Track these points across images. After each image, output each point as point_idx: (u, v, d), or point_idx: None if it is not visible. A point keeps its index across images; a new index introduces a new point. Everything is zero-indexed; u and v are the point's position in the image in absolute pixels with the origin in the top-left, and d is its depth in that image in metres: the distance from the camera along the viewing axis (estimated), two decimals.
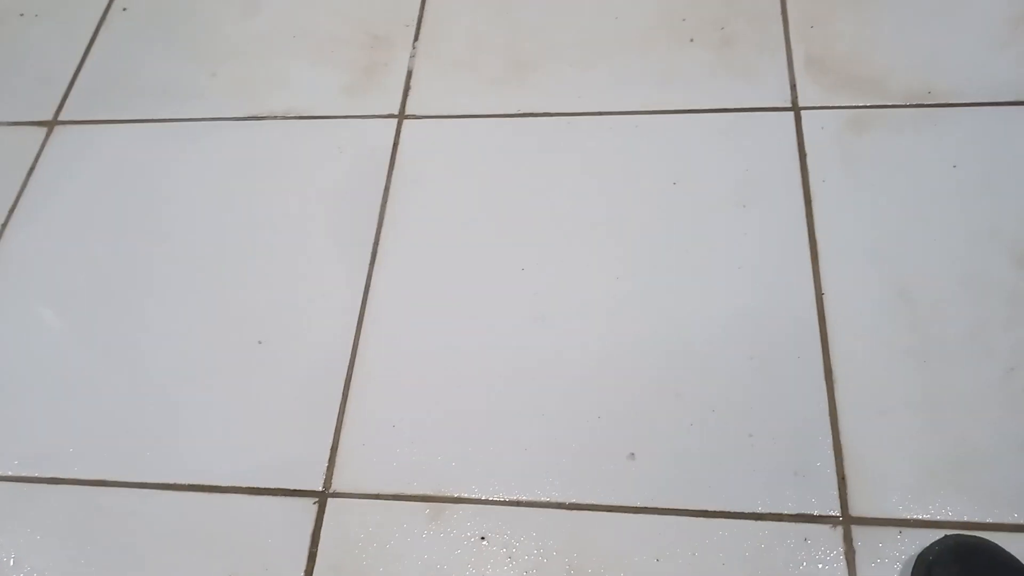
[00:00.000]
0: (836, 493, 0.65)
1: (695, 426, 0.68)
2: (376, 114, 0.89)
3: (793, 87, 0.84)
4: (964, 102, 0.81)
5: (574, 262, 0.77)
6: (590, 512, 0.66)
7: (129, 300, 0.80)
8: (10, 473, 0.73)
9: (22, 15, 1.03)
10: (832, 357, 0.70)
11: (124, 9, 1.01)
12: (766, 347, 0.71)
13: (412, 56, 0.92)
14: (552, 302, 0.75)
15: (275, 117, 0.90)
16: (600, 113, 0.86)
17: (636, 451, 0.67)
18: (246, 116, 0.91)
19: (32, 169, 0.90)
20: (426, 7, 0.96)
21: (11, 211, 0.87)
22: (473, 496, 0.67)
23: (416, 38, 0.94)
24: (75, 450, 0.73)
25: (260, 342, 0.76)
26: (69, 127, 0.93)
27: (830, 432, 0.67)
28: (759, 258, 0.75)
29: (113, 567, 0.67)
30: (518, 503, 0.67)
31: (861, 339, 0.70)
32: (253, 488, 0.70)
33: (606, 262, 0.76)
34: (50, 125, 0.93)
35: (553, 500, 0.66)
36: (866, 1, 0.88)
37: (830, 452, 0.66)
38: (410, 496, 0.68)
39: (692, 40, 0.89)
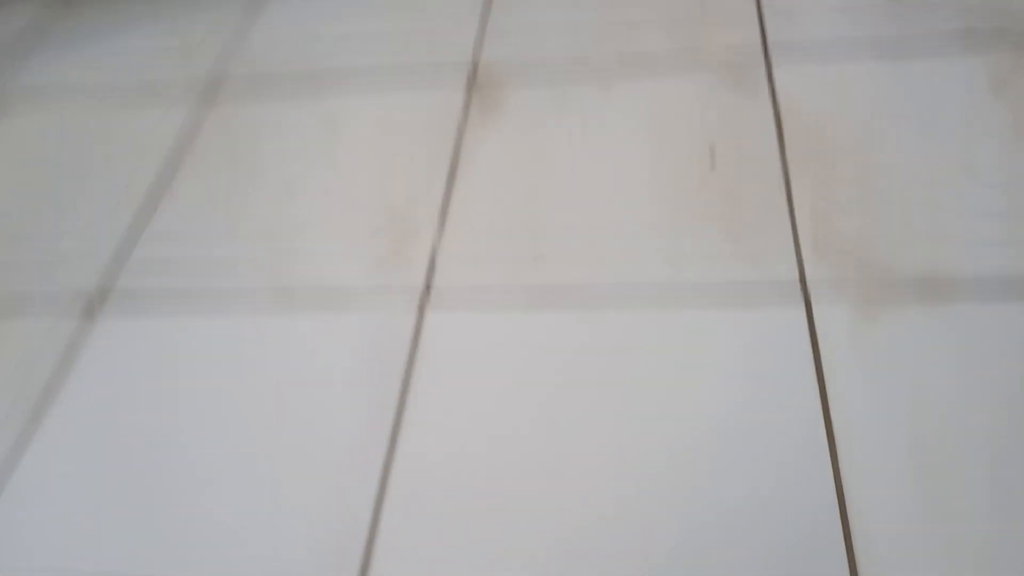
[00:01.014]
0: None
1: None
2: (399, 298, 0.93)
3: (801, 268, 0.88)
4: (976, 293, 0.84)
5: (591, 448, 0.78)
6: None
7: (149, 456, 0.82)
8: None
9: (69, 195, 1.10)
10: (856, 554, 0.70)
11: (173, 197, 1.08)
12: (783, 543, 0.71)
13: (436, 243, 0.97)
14: (574, 493, 0.76)
15: (301, 304, 0.94)
16: (617, 302, 0.89)
17: None
18: (273, 298, 0.95)
19: (73, 353, 0.94)
20: (452, 193, 1.02)
21: (46, 397, 0.91)
22: None
23: (441, 225, 0.99)
24: None
25: (281, 509, 0.77)
26: (112, 312, 0.98)
27: None
28: (776, 452, 0.76)
29: None
30: None
31: (887, 534, 0.70)
32: None
33: (619, 448, 0.78)
34: (93, 309, 0.98)
35: None
36: (872, 187, 0.93)
37: None
38: None
39: (701, 228, 0.93)
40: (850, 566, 0.69)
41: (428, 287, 0.94)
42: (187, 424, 0.87)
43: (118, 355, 0.94)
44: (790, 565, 0.70)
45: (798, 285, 0.87)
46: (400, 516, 0.77)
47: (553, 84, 1.11)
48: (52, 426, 0.89)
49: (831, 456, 0.76)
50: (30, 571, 0.79)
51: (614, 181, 0.99)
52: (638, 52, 1.12)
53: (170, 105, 1.19)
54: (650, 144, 1.02)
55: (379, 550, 0.75)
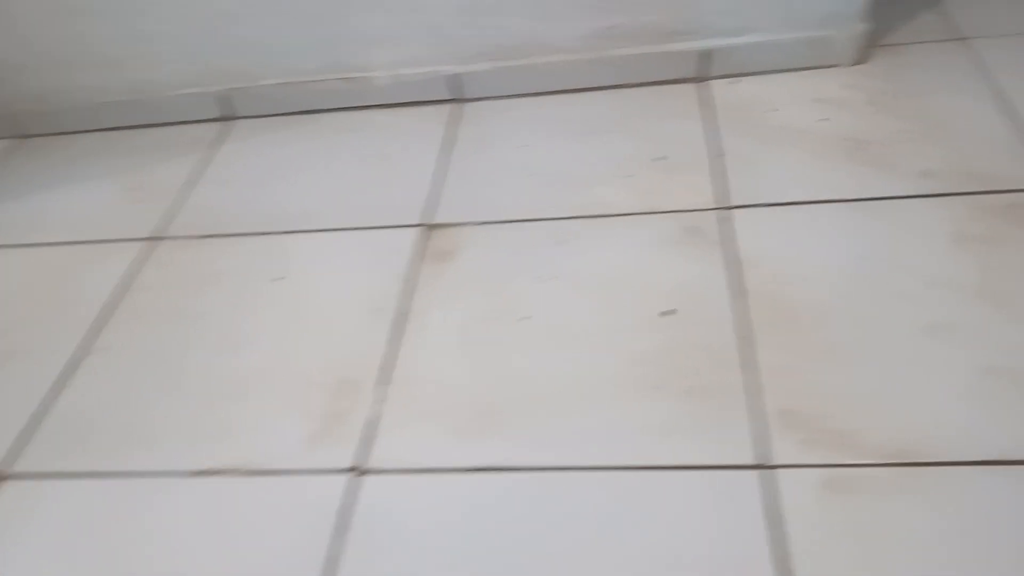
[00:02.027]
0: None
1: None
2: (335, 468, 0.86)
3: (764, 443, 0.81)
4: (937, 461, 0.77)
5: None
6: None
7: None
8: None
9: None
10: None
11: (104, 350, 1.03)
12: None
13: (377, 403, 0.91)
14: None
15: (229, 471, 0.87)
16: (563, 468, 0.82)
17: None
18: (201, 470, 0.88)
19: None
20: (397, 352, 0.97)
21: None
22: None
23: (383, 386, 0.93)
24: None
25: None
26: (20, 480, 0.90)
27: None
28: None
29: None
30: None
31: None
32: None
33: None
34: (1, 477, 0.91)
35: None
36: (835, 354, 0.88)
37: None
38: None
39: (659, 395, 0.88)
40: None
41: (365, 459, 0.87)
42: None
43: (29, 524, 0.86)
44: None
45: (757, 456, 0.81)
46: None
47: (509, 238, 1.09)
48: None
49: None
50: None
51: (569, 343, 0.95)
52: (598, 207, 1.11)
53: (111, 254, 1.17)
54: (608, 304, 0.98)
55: None
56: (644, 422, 0.85)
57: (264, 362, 0.98)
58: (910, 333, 0.88)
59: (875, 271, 0.95)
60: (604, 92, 1.31)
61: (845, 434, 0.81)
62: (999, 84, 1.19)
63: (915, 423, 0.81)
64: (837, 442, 0.80)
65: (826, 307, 0.92)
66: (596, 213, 1.10)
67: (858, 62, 1.27)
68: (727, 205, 1.07)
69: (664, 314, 0.95)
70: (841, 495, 0.76)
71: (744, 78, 1.28)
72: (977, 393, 0.82)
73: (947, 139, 1.11)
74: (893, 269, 0.95)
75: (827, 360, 0.87)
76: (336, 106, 1.39)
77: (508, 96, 1.33)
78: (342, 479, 0.85)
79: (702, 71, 1.29)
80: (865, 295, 0.93)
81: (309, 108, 1.39)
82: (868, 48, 1.28)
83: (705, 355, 0.90)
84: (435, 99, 1.36)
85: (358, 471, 0.85)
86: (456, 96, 1.35)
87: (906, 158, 1.09)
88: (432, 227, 1.13)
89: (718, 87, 1.28)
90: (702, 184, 1.11)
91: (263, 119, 1.40)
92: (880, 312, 0.91)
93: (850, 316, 0.91)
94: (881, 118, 1.16)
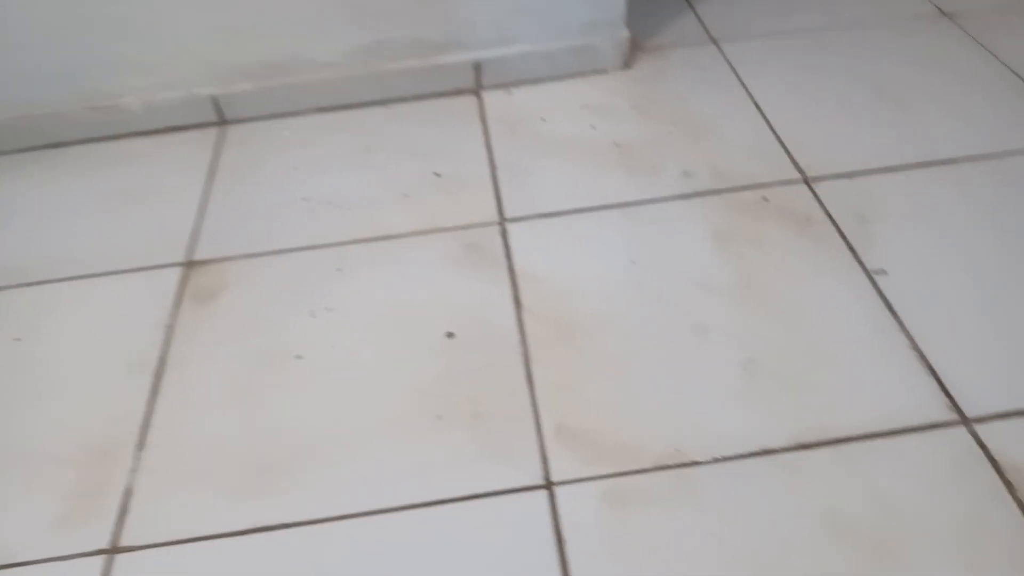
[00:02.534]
0: None
1: None
2: (84, 551, 0.76)
3: (545, 461, 0.80)
4: (711, 458, 0.80)
5: None
6: None
7: None
8: None
9: None
10: None
11: None
12: None
13: (134, 471, 0.82)
14: None
15: None
16: (343, 517, 0.78)
17: None
18: None
19: None
20: (155, 410, 0.88)
21: None
22: None
23: (141, 446, 0.84)
24: None
25: None
26: None
27: None
28: None
29: None
30: None
31: None
32: None
33: None
34: None
35: None
36: (609, 364, 0.89)
37: None
38: None
39: (442, 424, 0.85)
40: None
41: (120, 536, 0.78)
42: None
43: None
44: None
45: (541, 476, 0.80)
46: None
47: (280, 270, 1.02)
48: None
49: None
50: None
51: (347, 382, 0.90)
52: (375, 230, 1.06)
53: None
54: (387, 333, 0.94)
55: None
56: (427, 456, 0.82)
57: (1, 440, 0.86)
58: (678, 336, 0.91)
59: (644, 276, 0.98)
60: (377, 107, 1.27)
61: (620, 444, 0.82)
62: (748, 84, 1.26)
63: (685, 425, 0.83)
64: (612, 453, 0.81)
65: (600, 317, 0.94)
66: (374, 236, 1.06)
67: (624, 67, 1.31)
68: (504, 219, 1.07)
69: (446, 337, 0.93)
70: (619, 506, 0.77)
71: (517, 88, 1.29)
72: (740, 388, 0.85)
73: (704, 140, 1.16)
74: (661, 273, 0.98)
75: (602, 371, 0.88)
76: (86, 137, 1.26)
77: (275, 116, 1.26)
78: (96, 561, 0.76)
79: (475, 83, 1.28)
80: (635, 301, 0.95)
81: (55, 141, 1.25)
82: (632, 53, 1.32)
83: (487, 377, 0.88)
84: (196, 123, 1.26)
85: (112, 551, 0.76)
86: (219, 119, 1.26)
87: (668, 160, 1.13)
88: (194, 264, 1.04)
89: (492, 98, 1.27)
90: (480, 198, 1.10)
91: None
92: (649, 317, 0.93)
93: (622, 324, 0.93)
94: (645, 122, 1.20)
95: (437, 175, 1.14)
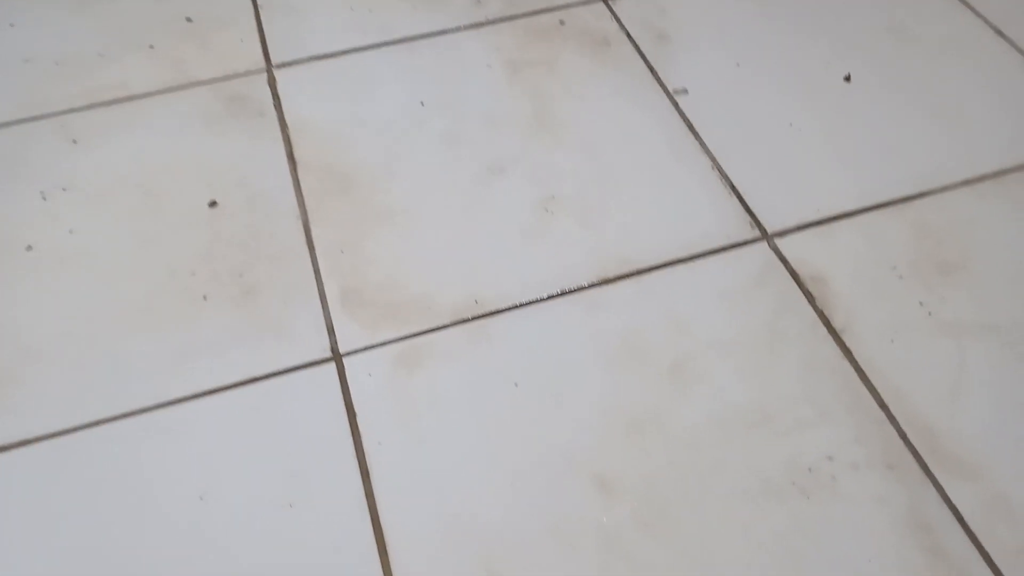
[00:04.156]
0: None
1: None
2: None
3: (331, 331, 0.72)
4: (510, 305, 0.74)
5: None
6: None
7: None
8: None
9: None
10: None
11: None
12: None
13: None
14: None
15: None
16: (110, 419, 0.67)
17: None
18: None
19: None
20: None
21: None
22: None
23: None
24: None
25: None
26: None
27: None
28: (318, 548, 0.60)
29: None
30: None
31: None
32: None
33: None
34: None
35: None
36: (398, 220, 0.80)
37: None
38: None
39: (206, 298, 0.74)
40: None
41: None
42: None
43: None
44: None
45: (327, 348, 0.71)
46: None
47: (2, 146, 0.85)
48: None
49: (379, 548, 0.60)
50: None
51: (90, 269, 0.76)
52: (116, 90, 0.89)
53: None
54: (137, 209, 0.80)
55: None
56: (193, 343, 0.71)
57: None
58: (472, 178, 0.83)
59: (432, 117, 0.88)
60: None
61: (413, 302, 0.74)
62: None
63: (482, 274, 0.76)
64: (405, 313, 0.73)
65: (386, 166, 0.84)
66: (114, 98, 0.90)
67: None
68: (271, 65, 0.92)
69: (209, 207, 0.80)
70: (413, 368, 0.70)
71: None
72: (540, 229, 0.79)
73: None
74: (451, 112, 0.88)
75: (390, 225, 0.79)
76: None
77: None
78: None
79: None
80: (424, 145, 0.86)
81: None
82: None
83: (259, 247, 0.78)
84: None
85: None
86: None
87: None
88: None
89: None
90: (241, 44, 0.95)
91: None
92: (440, 161, 0.84)
93: (410, 172, 0.84)
94: None
95: (188, 20, 0.97)
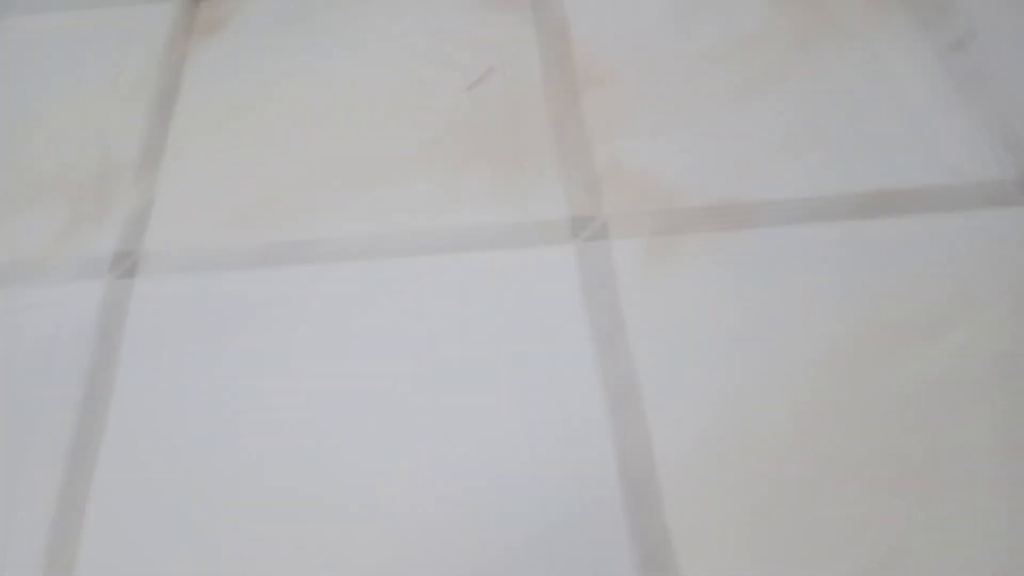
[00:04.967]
0: None
1: None
2: (94, 269, 0.73)
3: (577, 214, 0.74)
4: (766, 218, 0.73)
5: (340, 433, 0.62)
6: None
7: None
8: None
9: None
10: (668, 527, 0.58)
11: None
12: (575, 522, 0.58)
13: (143, 195, 0.77)
14: (317, 483, 0.60)
15: None
16: (356, 256, 0.73)
17: None
18: None
19: None
20: (169, 137, 0.82)
21: None
22: None
23: (149, 171, 0.79)
24: None
25: None
26: None
27: None
28: (556, 411, 0.63)
29: None
30: None
31: (695, 500, 0.59)
32: None
33: (374, 431, 0.62)
34: None
35: None
36: (651, 116, 0.80)
37: None
38: None
39: (465, 165, 0.78)
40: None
41: (130, 257, 0.74)
42: None
43: None
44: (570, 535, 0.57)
45: (571, 225, 0.74)
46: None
47: (285, 3, 0.92)
48: None
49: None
50: None
51: (358, 123, 0.82)
52: None
53: None
54: (404, 68, 0.85)
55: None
56: (453, 199, 0.76)
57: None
58: (734, 91, 0.82)
59: (696, 28, 0.87)
60: None
61: (665, 197, 0.75)
62: None
63: (739, 180, 0.76)
64: (657, 201, 0.75)
65: (646, 66, 0.84)
66: None
67: None
68: None
69: (472, 83, 0.84)
70: (661, 259, 0.71)
71: None
72: (794, 144, 0.78)
73: None
74: (717, 27, 0.87)
75: (643, 122, 0.80)
76: None
77: None
78: (103, 281, 0.72)
79: None
80: (690, 51, 0.85)
81: None
82: None
83: (516, 125, 0.81)
84: None
85: (123, 271, 0.73)
86: None
87: None
88: None
89: None
90: None
91: None
92: (700, 73, 0.84)
93: (666, 77, 0.83)
94: None
95: None
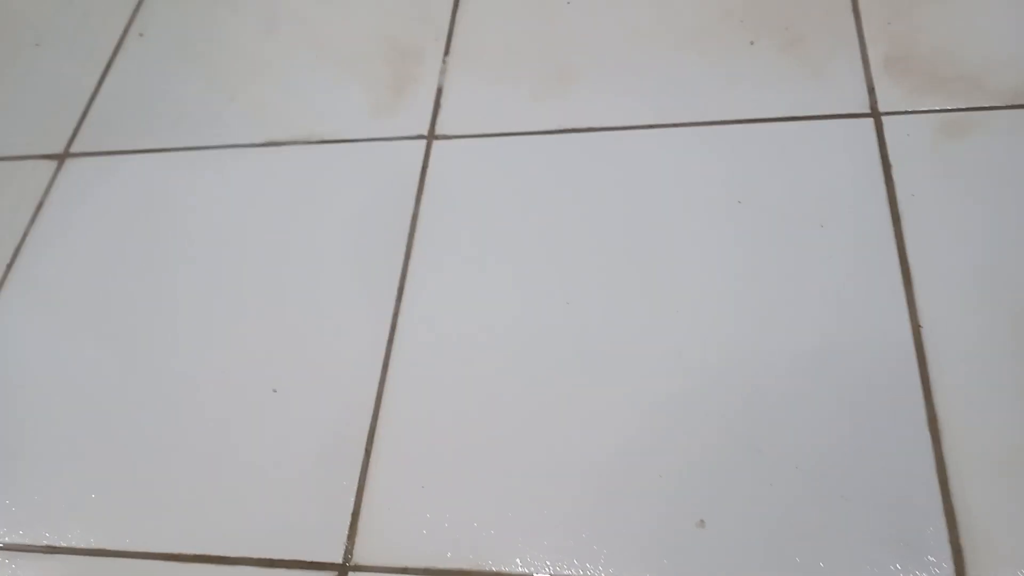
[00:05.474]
0: (952, 567, 0.54)
1: (777, 487, 0.57)
2: (404, 135, 0.81)
3: (871, 90, 0.74)
4: None
5: (627, 295, 0.67)
6: None
7: (137, 342, 0.73)
8: (3, 542, 0.65)
9: (38, 45, 0.98)
10: (936, 401, 0.59)
11: (140, 34, 0.96)
12: (857, 390, 0.60)
13: (442, 71, 0.85)
14: (602, 341, 0.65)
15: (296, 142, 0.83)
16: (651, 126, 0.77)
17: (707, 517, 0.57)
18: (265, 142, 0.84)
19: (41, 204, 0.84)
20: (458, 16, 0.88)
21: (19, 247, 0.81)
22: (516, 571, 0.57)
23: (447, 51, 0.86)
24: (71, 515, 0.65)
25: (275, 391, 0.68)
26: (81, 159, 0.87)
27: (939, 493, 0.56)
28: (843, 286, 0.65)
29: None
30: None
31: (970, 378, 0.59)
32: (265, 560, 0.61)
33: (664, 294, 0.67)
34: (61, 158, 0.87)
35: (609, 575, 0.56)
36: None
37: (941, 518, 0.55)
38: (443, 570, 0.58)
39: (753, 42, 0.79)
40: (929, 419, 0.58)
41: (435, 125, 0.81)
42: (172, 282, 0.77)
43: (95, 201, 0.84)
44: (862, 414, 0.59)
45: (866, 104, 0.74)
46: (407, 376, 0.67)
47: None
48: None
49: (906, 296, 0.64)
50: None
51: None
52: None
53: None
54: None
55: (383, 428, 0.66)
56: (739, 75, 0.78)
57: (312, 35, 0.90)
58: None
59: None
60: None
61: (959, 77, 0.73)
62: None
63: None
64: (949, 86, 0.73)
65: None
66: None
67: None
68: None
69: None
70: (952, 139, 0.70)
71: None
72: None
73: None
74: None
75: (938, 3, 0.78)
76: None
77: None
78: (416, 145, 0.80)
79: None
80: None
81: None
82: None
83: (808, 4, 0.80)
84: None
85: (430, 136, 0.80)
86: None
87: None
88: None
89: None
90: None
91: None
92: None
93: None
94: None
95: None
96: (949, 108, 0.72)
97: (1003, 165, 0.68)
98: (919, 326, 0.62)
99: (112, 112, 0.90)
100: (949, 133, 0.71)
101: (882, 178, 0.70)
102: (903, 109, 0.73)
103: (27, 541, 0.65)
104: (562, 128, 0.78)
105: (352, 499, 0.62)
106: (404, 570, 0.59)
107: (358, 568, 0.59)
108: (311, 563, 0.60)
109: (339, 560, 0.60)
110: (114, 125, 0.89)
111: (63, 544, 0.64)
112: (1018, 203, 0.66)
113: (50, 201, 0.84)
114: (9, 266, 0.80)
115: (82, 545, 0.64)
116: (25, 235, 0.82)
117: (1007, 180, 0.67)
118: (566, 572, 0.57)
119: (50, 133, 0.89)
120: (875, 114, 0.73)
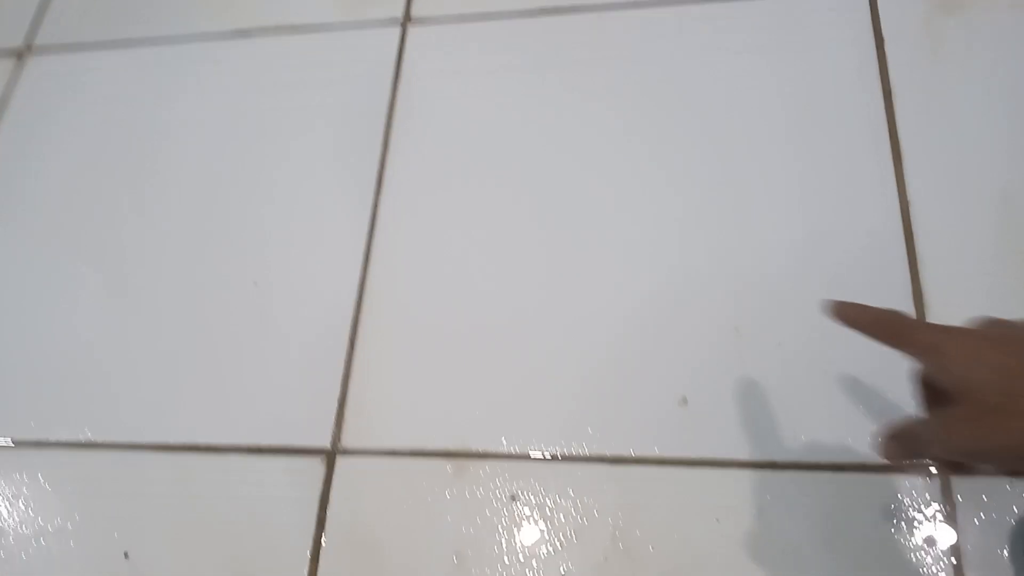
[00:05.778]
0: None
1: (759, 365, 0.58)
2: (377, 19, 0.78)
3: None
4: None
5: (612, 182, 0.66)
6: (637, 466, 0.56)
7: (113, 238, 0.72)
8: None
9: None
10: (922, 276, 0.59)
11: None
12: (842, 270, 0.60)
13: None
14: (588, 230, 0.64)
15: (264, 31, 0.79)
16: (637, 5, 0.73)
17: (689, 395, 0.58)
18: (232, 32, 0.80)
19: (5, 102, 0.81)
20: None
21: None
22: (502, 451, 0.58)
23: None
24: (58, 409, 0.65)
25: (255, 283, 0.67)
26: (44, 58, 0.83)
27: None
28: (834, 164, 0.64)
29: (101, 535, 0.60)
30: (553, 458, 0.57)
31: (958, 258, 0.59)
32: (253, 447, 0.61)
33: (648, 181, 0.65)
34: (20, 53, 0.84)
35: (594, 454, 0.57)
36: None
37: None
38: (430, 452, 0.59)
39: None
40: (915, 297, 0.58)
41: (409, 8, 0.78)
42: (144, 188, 0.75)
43: (51, 96, 0.81)
44: (848, 293, 0.59)
45: None
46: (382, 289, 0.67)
47: None
48: None
49: (895, 173, 0.62)
50: None
51: None
52: None
53: None
54: None
55: (367, 316, 0.65)
56: None
57: None
58: None
59: None
60: None
61: None
62: None
63: None
64: None
65: None
66: None
67: None
68: None
69: None
70: (953, 13, 0.68)
71: None
72: None
73: None
74: None
75: None
76: None
77: None
78: (390, 32, 0.77)
79: None
80: None
81: None
82: None
83: None
84: None
85: (404, 20, 0.77)
86: None
87: None
88: None
89: None
90: None
91: None
92: None
93: None
94: None
95: None
96: None
97: (996, 41, 0.66)
98: (908, 202, 0.61)
99: (74, 4, 0.86)
100: (944, 7, 0.68)
101: (874, 53, 0.67)
102: None
103: (19, 437, 0.65)
104: (544, 9, 0.75)
105: (338, 387, 0.62)
106: (392, 452, 0.59)
107: (346, 452, 0.60)
108: (300, 449, 0.61)
109: (327, 446, 0.60)
110: (76, 17, 0.85)
111: (52, 439, 0.65)
112: (1010, 79, 0.65)
113: (14, 100, 0.81)
114: None
115: (72, 439, 0.64)
116: None
117: (1000, 57, 0.66)
118: (551, 450, 0.58)
119: (8, 24, 0.86)
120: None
